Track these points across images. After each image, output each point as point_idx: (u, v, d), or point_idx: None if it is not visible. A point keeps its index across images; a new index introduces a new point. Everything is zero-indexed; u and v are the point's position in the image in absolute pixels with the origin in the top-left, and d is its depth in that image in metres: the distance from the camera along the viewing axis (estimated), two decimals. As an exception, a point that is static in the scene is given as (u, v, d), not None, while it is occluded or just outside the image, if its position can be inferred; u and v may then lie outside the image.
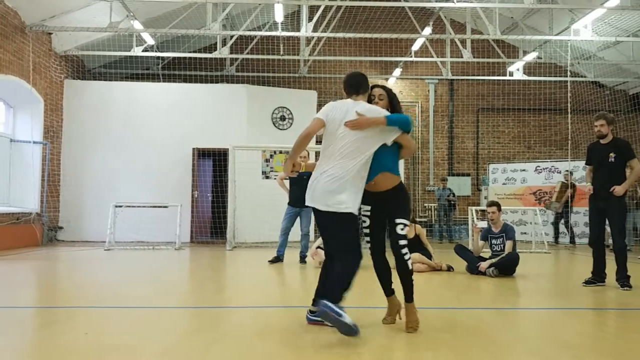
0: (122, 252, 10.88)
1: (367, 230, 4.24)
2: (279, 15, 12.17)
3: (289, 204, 9.17)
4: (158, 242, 12.29)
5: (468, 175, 16.90)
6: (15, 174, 12.18)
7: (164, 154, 13.65)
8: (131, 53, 13.30)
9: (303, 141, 4.09)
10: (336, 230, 3.97)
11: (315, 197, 3.98)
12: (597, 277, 6.60)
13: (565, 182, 13.36)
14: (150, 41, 13.46)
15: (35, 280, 7.26)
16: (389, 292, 4.31)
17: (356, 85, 4.13)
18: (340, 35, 13.05)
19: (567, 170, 13.72)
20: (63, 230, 13.39)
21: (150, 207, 12.40)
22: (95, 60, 15.16)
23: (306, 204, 4.06)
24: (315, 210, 4.03)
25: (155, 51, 14.20)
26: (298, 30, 12.67)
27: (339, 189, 3.89)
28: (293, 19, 14.24)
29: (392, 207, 4.12)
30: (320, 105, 15.90)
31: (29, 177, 12.20)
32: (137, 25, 12.54)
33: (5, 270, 7.88)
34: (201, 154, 14.20)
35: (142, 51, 13.43)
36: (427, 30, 14.20)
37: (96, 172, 13.57)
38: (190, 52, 15.30)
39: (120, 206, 11.96)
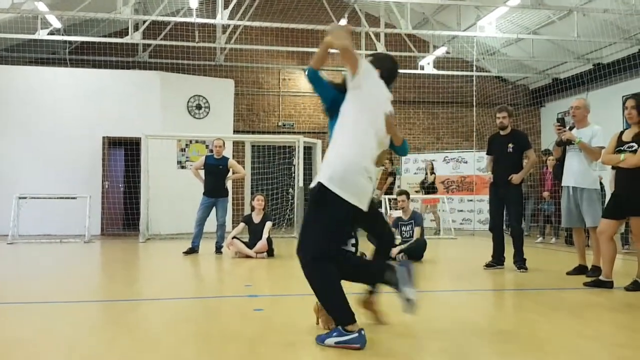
0: (27, 245, 10.35)
1: None
2: (193, 1, 11.92)
3: (204, 194, 9.08)
4: (66, 235, 11.78)
5: (382, 165, 17.37)
6: None
7: (72, 143, 13.05)
8: (36, 36, 12.53)
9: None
10: None
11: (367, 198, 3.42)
12: (497, 260, 7.04)
13: (386, 169, 13.92)
14: (56, 24, 12.75)
15: None
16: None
17: (389, 70, 3.60)
18: (256, 24, 12.97)
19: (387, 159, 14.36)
20: (-41, 224, 12.51)
21: (58, 198, 11.84)
22: (-5, 43, 14.21)
23: (357, 204, 3.30)
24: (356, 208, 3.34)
25: (62, 35, 13.47)
26: (214, 17, 12.46)
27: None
28: (208, 5, 13.97)
29: None
30: (237, 95, 15.79)
31: None
32: (41, 7, 11.84)
33: None
34: (112, 143, 13.69)
35: (48, 34, 12.70)
36: (343, 22, 14.42)
37: (-3, 161, 12.76)
38: (100, 36, 14.65)
39: (25, 197, 11.34)
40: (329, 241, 3.28)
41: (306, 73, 3.61)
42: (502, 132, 7.06)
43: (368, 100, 3.34)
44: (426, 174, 13.65)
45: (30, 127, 12.95)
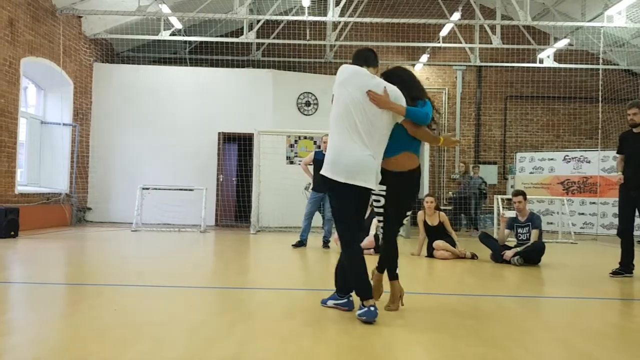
0: (149, 233, 11.06)
1: (382, 210, 4.18)
2: (305, -1, 12.13)
3: (313, 189, 9.19)
4: (184, 224, 12.46)
5: (495, 163, 16.70)
6: (46, 156, 12.43)
7: (190, 137, 13.78)
8: (159, 37, 13.38)
9: None
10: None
11: (367, 176, 3.83)
12: (625, 268, 6.49)
13: None
14: (177, 25, 13.52)
15: (65, 259, 7.43)
16: (393, 276, 4.22)
17: (365, 59, 4.07)
18: (367, 20, 12.95)
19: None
20: (91, 211, 13.65)
21: (177, 190, 12.55)
22: (123, 44, 15.32)
23: (353, 182, 3.79)
24: (357, 188, 3.83)
25: (183, 35, 14.28)
26: (325, 14, 12.60)
27: (377, 168, 3.94)
28: (320, 3, 14.15)
29: (409, 195, 4.19)
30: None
31: (59, 158, 12.43)
32: (165, 9, 12.61)
33: (37, 249, 8.09)
34: (226, 139, 14.29)
35: (170, 35, 13.50)
36: (456, 16, 14.00)
37: (124, 154, 13.77)
38: (217, 36, 15.34)
39: (147, 188, 12.12)
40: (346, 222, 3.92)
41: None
42: (635, 130, 6.49)
43: (337, 105, 3.94)
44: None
45: (153, 122, 13.84)
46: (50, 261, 6.98)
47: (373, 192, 4.03)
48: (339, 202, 3.91)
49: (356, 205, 3.93)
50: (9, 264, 6.73)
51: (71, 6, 12.00)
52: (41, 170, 12.38)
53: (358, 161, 3.79)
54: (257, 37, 14.20)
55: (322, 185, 9.00)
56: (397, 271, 4.21)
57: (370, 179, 3.85)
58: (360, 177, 3.79)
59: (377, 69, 4.14)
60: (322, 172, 3.90)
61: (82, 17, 12.87)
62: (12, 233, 9.03)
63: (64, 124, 12.46)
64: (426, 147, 14.70)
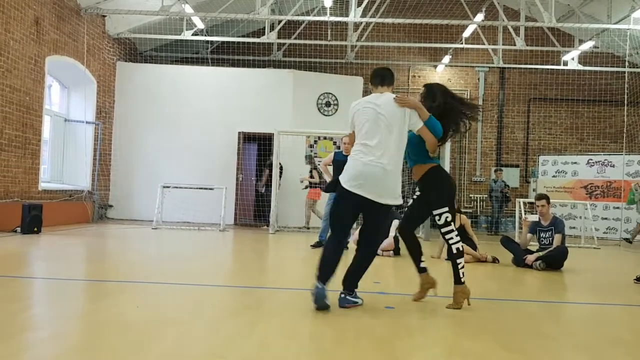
0: (169, 231, 11.14)
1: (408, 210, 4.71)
2: (327, -1, 12.12)
3: (328, 190, 9.16)
4: (203, 223, 12.52)
5: (517, 166, 16.52)
6: (69, 153, 12.60)
7: (211, 137, 13.85)
8: (181, 37, 13.49)
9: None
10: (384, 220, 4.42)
11: (381, 192, 4.11)
12: (651, 274, 6.37)
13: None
14: (200, 25, 13.61)
15: (87, 255, 7.52)
16: (420, 270, 4.62)
17: (381, 77, 4.32)
18: (389, 20, 12.89)
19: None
20: (112, 209, 13.79)
21: (197, 188, 12.63)
22: (146, 43, 15.47)
23: (369, 197, 4.09)
24: (372, 202, 4.13)
25: (205, 35, 14.36)
26: (346, 15, 12.57)
27: (398, 182, 4.21)
28: (342, 4, 14.14)
29: (428, 199, 4.50)
30: (366, 92, 15.82)
31: (82, 156, 12.60)
32: (187, 9, 12.70)
33: (59, 245, 8.19)
34: (247, 138, 14.34)
35: (192, 35, 13.59)
36: (479, 17, 13.88)
37: (145, 152, 13.90)
38: (238, 36, 15.41)
39: (168, 187, 12.21)
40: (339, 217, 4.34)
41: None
42: (662, 133, 6.37)
43: (356, 128, 4.28)
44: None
45: (174, 121, 13.94)
46: (73, 257, 7.06)
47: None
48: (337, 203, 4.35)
49: (351, 212, 4.31)
50: (32, 259, 6.83)
51: (95, 5, 12.15)
52: (64, 167, 12.56)
53: (364, 171, 4.10)
54: (279, 38, 14.22)
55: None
56: (422, 265, 4.60)
57: (375, 191, 4.09)
58: (365, 188, 4.09)
59: (392, 87, 4.38)
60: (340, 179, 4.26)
61: (105, 16, 13.03)
62: (35, 229, 9.17)
63: (87, 122, 12.62)
64: (447, 150, 14.61)
